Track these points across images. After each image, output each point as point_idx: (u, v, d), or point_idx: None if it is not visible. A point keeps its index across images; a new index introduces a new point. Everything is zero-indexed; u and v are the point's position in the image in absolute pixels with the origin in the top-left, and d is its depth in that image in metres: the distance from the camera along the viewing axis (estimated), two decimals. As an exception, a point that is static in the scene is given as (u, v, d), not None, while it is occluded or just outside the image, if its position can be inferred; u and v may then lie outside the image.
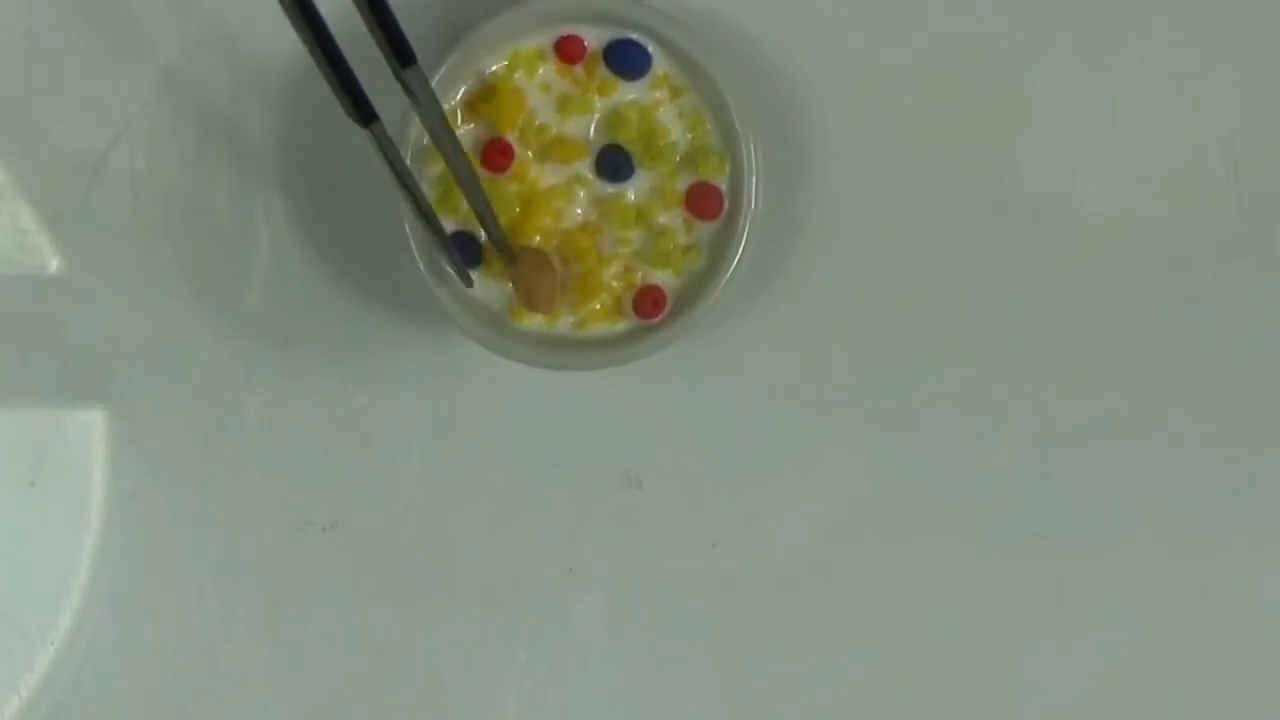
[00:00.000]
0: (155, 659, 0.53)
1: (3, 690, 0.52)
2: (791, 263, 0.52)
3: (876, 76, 0.52)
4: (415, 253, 0.48)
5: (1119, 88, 0.52)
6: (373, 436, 0.53)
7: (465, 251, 0.49)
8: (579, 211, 0.49)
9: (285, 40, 0.51)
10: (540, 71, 0.49)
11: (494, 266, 0.49)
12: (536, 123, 0.49)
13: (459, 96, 0.48)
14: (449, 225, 0.49)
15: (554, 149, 0.48)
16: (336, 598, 0.53)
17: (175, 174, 0.52)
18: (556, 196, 0.49)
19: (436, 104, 0.42)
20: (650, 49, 0.48)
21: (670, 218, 0.49)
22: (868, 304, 0.52)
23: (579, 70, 0.49)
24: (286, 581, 0.53)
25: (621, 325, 0.49)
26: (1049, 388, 0.52)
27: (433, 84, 0.47)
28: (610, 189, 0.49)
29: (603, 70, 0.48)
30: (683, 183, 0.49)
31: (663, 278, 0.49)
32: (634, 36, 0.48)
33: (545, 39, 0.48)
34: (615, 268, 0.49)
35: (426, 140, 0.48)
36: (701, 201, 0.49)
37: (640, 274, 0.49)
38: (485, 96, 0.49)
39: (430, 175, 0.49)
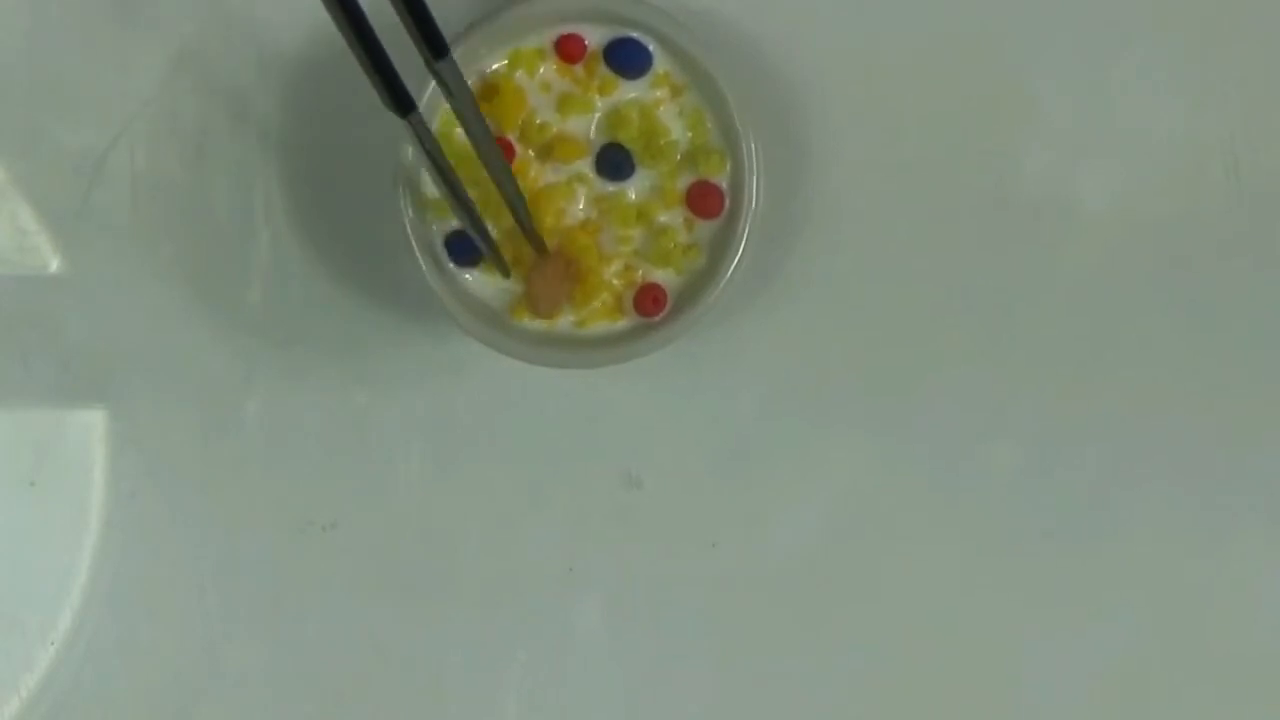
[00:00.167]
0: (155, 659, 0.53)
1: (3, 690, 0.52)
2: (791, 262, 0.52)
3: (876, 76, 0.52)
4: (415, 253, 0.48)
5: (1119, 88, 0.52)
6: (373, 436, 0.52)
7: (467, 249, 0.49)
8: (580, 210, 0.49)
9: (286, 39, 0.51)
10: (541, 70, 0.49)
11: (494, 267, 0.49)
12: (537, 122, 0.49)
13: (459, 96, 0.48)
14: (451, 224, 0.49)
15: (555, 148, 0.48)
16: (336, 598, 0.53)
17: (175, 174, 0.52)
18: (557, 195, 0.49)
19: (469, 95, 0.42)
20: (651, 48, 0.48)
21: (671, 216, 0.49)
22: (868, 303, 0.52)
23: (579, 69, 0.49)
24: (286, 581, 0.53)
25: (622, 323, 0.49)
26: (1049, 387, 0.52)
27: (431, 87, 0.47)
28: (611, 188, 0.49)
29: (603, 69, 0.48)
30: (683, 181, 0.49)
31: (663, 276, 0.49)
32: (634, 35, 0.48)
33: (545, 38, 0.48)
34: (616, 266, 0.49)
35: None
36: (702, 200, 0.49)
37: (641, 272, 0.49)
38: (486, 96, 0.49)
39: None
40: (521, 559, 0.53)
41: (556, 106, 0.49)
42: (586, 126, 0.49)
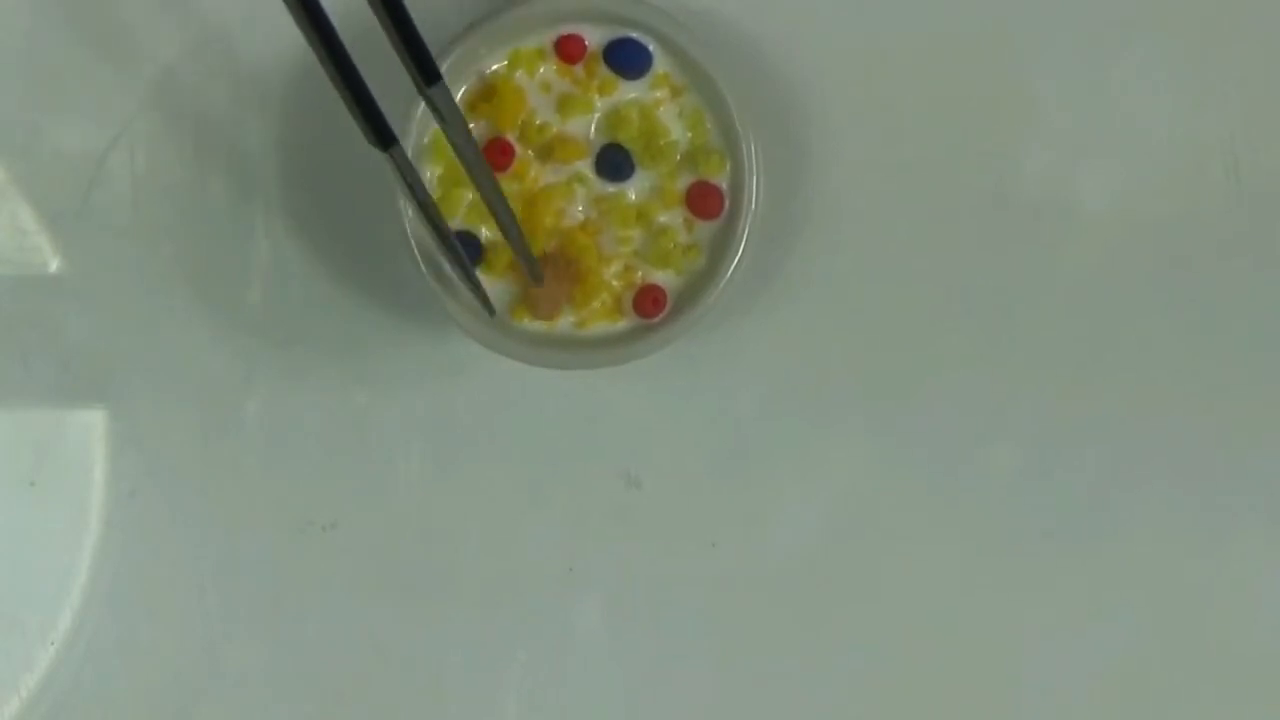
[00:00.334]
0: (155, 659, 0.53)
1: (3, 690, 0.52)
2: (791, 263, 0.52)
3: (876, 76, 0.52)
4: (415, 253, 0.48)
5: (1119, 88, 0.52)
6: (373, 436, 0.52)
7: (467, 250, 0.49)
8: (579, 210, 0.49)
9: (285, 41, 0.51)
10: (540, 71, 0.49)
11: (495, 266, 0.49)
12: (537, 122, 0.49)
13: (459, 96, 0.48)
14: (451, 225, 0.49)
15: (554, 148, 0.48)
16: (336, 598, 0.53)
17: (175, 174, 0.52)
18: (557, 196, 0.49)
19: (461, 120, 0.42)
20: (650, 48, 0.48)
21: (670, 217, 0.49)
22: (868, 304, 0.52)
23: (579, 70, 0.49)
24: (286, 581, 0.53)
25: (621, 324, 0.49)
26: (1049, 387, 0.52)
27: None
28: (610, 188, 0.49)
29: (603, 69, 0.48)
30: (683, 182, 0.49)
31: (663, 277, 0.49)
32: (634, 36, 0.48)
33: (545, 38, 0.48)
34: (615, 267, 0.49)
35: (427, 139, 0.48)
36: (702, 201, 0.49)
37: (640, 273, 0.49)
38: (485, 96, 0.49)
39: (431, 175, 0.49)
40: (521, 559, 0.53)
41: (556, 107, 0.49)
42: (586, 127, 0.49)
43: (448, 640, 0.53)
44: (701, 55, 0.48)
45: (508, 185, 0.48)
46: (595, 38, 0.48)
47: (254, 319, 0.52)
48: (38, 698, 0.52)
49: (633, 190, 0.49)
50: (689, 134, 0.49)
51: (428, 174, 0.48)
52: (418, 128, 0.48)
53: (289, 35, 0.51)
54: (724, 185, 0.49)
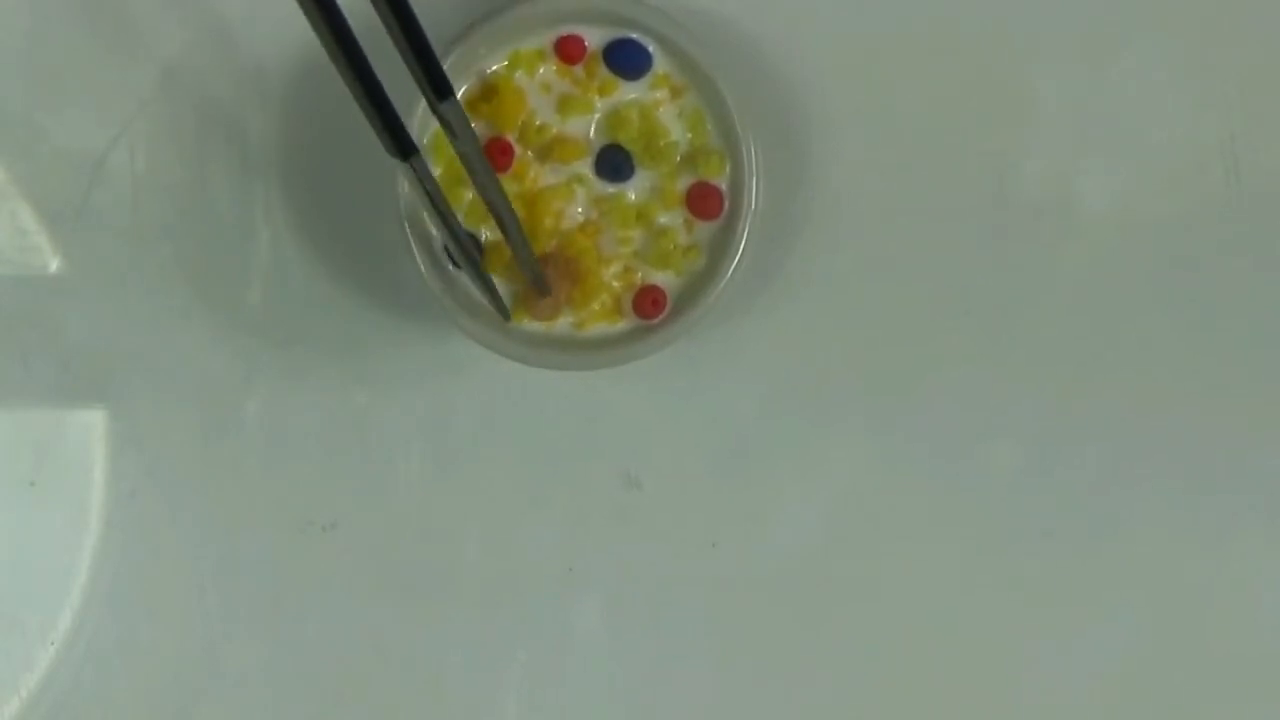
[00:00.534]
0: (155, 659, 0.53)
1: (3, 690, 0.52)
2: (791, 263, 0.52)
3: (877, 76, 0.52)
4: (415, 253, 0.48)
5: (1119, 87, 0.52)
6: (373, 436, 0.52)
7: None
8: (579, 211, 0.49)
9: (285, 41, 0.51)
10: (540, 71, 0.49)
11: (495, 266, 0.49)
12: (537, 123, 0.49)
13: (459, 96, 0.48)
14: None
15: (554, 149, 0.48)
16: (336, 598, 0.53)
17: (175, 174, 0.52)
18: (557, 196, 0.49)
19: (472, 135, 0.42)
20: (650, 49, 0.48)
21: (670, 218, 0.49)
22: (868, 303, 0.52)
23: (579, 70, 0.49)
24: (286, 581, 0.53)
25: (621, 325, 0.49)
26: (1049, 387, 0.52)
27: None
28: (610, 189, 0.49)
29: (603, 70, 0.48)
30: (683, 183, 0.49)
31: (663, 278, 0.49)
32: (634, 36, 0.48)
33: (545, 39, 0.48)
34: (615, 268, 0.49)
35: (426, 139, 0.48)
36: (702, 201, 0.49)
37: (640, 274, 0.49)
38: (485, 96, 0.49)
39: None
40: (521, 559, 0.53)
41: (556, 107, 0.49)
42: (586, 127, 0.49)
43: (448, 640, 0.53)
44: (701, 55, 0.48)
45: (508, 186, 0.48)
46: (595, 38, 0.48)
47: (254, 319, 0.52)
48: (38, 698, 0.52)
49: (633, 191, 0.49)
50: (689, 135, 0.49)
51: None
52: (417, 127, 0.48)
53: (289, 35, 0.52)
54: (724, 186, 0.49)
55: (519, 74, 0.49)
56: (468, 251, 0.45)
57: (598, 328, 0.49)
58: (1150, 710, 0.54)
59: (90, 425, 0.52)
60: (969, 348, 0.53)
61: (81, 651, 0.52)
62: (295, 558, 0.53)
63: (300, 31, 0.51)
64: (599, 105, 0.49)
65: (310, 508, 0.53)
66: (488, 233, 0.49)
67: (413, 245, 0.48)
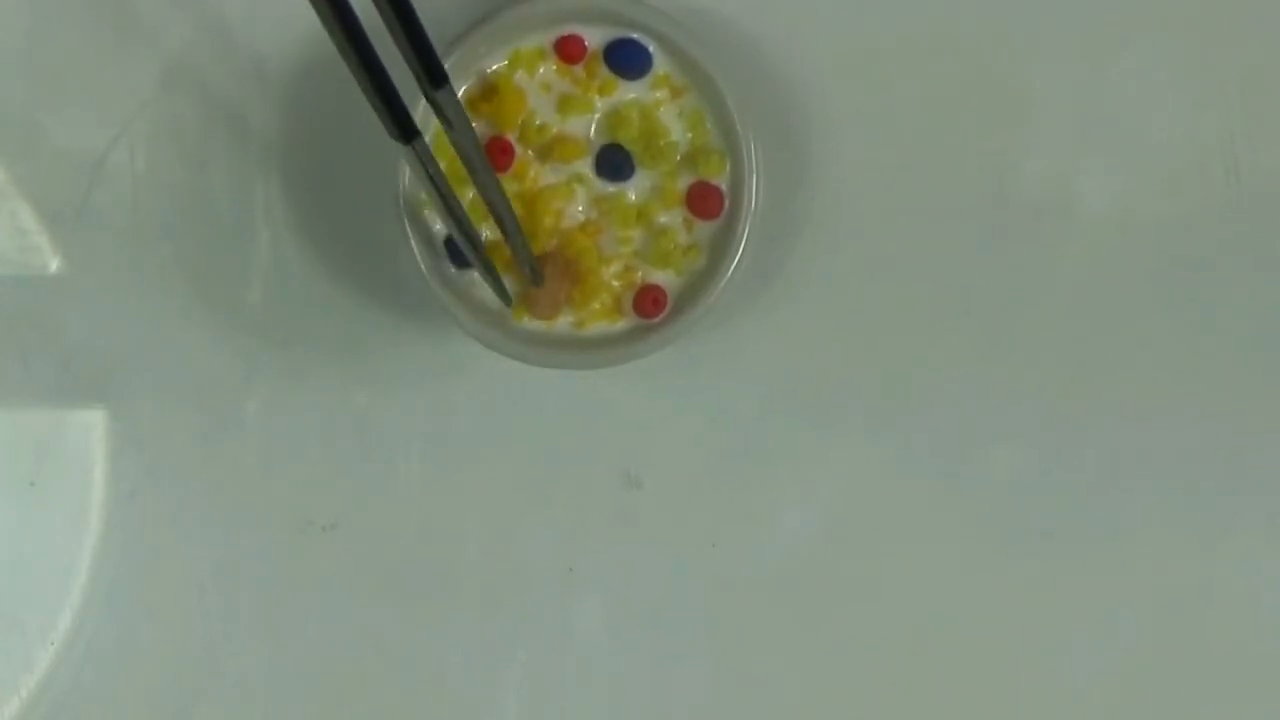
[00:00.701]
0: (155, 659, 0.53)
1: (3, 690, 0.52)
2: (791, 263, 0.52)
3: (877, 76, 0.52)
4: (415, 252, 0.48)
5: (1119, 87, 0.52)
6: (373, 436, 0.52)
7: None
8: (579, 211, 0.49)
9: (286, 39, 0.51)
10: (540, 71, 0.49)
11: (496, 264, 0.49)
12: (537, 122, 0.49)
13: (459, 96, 0.48)
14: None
15: (554, 148, 0.48)
16: (336, 598, 0.53)
17: (175, 174, 0.52)
18: (557, 196, 0.49)
19: (468, 125, 0.42)
20: (651, 48, 0.48)
21: (671, 217, 0.49)
22: (868, 304, 0.52)
23: (579, 70, 0.49)
24: (286, 581, 0.53)
25: (621, 324, 0.49)
26: (1049, 387, 0.52)
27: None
28: (611, 188, 0.49)
29: (603, 70, 0.48)
30: (683, 182, 0.49)
31: (663, 277, 0.49)
32: (634, 36, 0.48)
33: (545, 39, 0.48)
34: (615, 267, 0.49)
35: (426, 138, 0.48)
36: (702, 201, 0.49)
37: (640, 273, 0.49)
38: (485, 96, 0.49)
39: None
40: (521, 559, 0.53)
41: (556, 107, 0.49)
42: (586, 127, 0.49)
43: (448, 640, 0.53)
44: (701, 55, 0.48)
45: (508, 185, 0.48)
46: (595, 38, 0.48)
47: (254, 319, 0.52)
48: (38, 698, 0.52)
49: (633, 190, 0.49)
50: (689, 134, 0.49)
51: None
52: (418, 125, 0.48)
53: (290, 34, 0.52)
54: (724, 185, 0.49)
55: (519, 73, 0.49)
56: (471, 236, 0.44)
57: (598, 327, 0.49)
58: (1150, 710, 0.54)
59: (90, 425, 0.52)
60: (969, 348, 0.52)
61: (81, 651, 0.52)
62: (295, 558, 0.53)
63: (300, 31, 0.51)
64: (599, 105, 0.49)
65: (310, 508, 0.53)
66: (488, 232, 0.49)
67: (413, 245, 0.48)
